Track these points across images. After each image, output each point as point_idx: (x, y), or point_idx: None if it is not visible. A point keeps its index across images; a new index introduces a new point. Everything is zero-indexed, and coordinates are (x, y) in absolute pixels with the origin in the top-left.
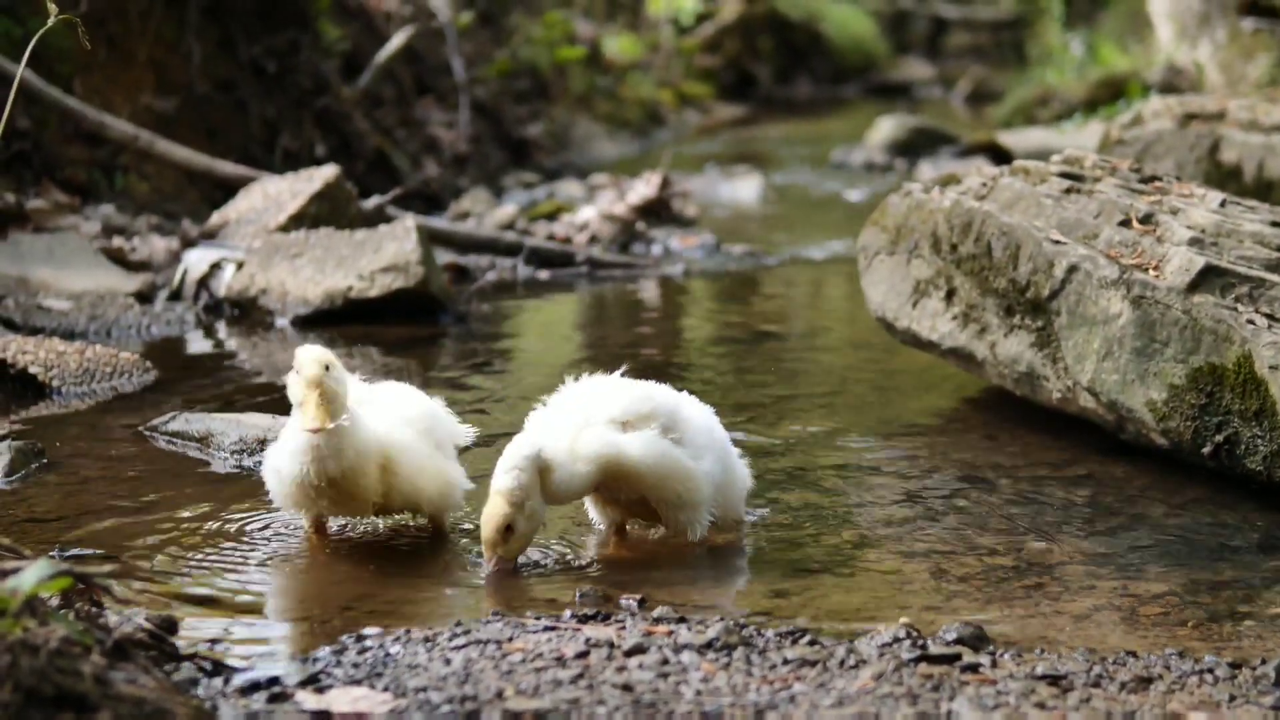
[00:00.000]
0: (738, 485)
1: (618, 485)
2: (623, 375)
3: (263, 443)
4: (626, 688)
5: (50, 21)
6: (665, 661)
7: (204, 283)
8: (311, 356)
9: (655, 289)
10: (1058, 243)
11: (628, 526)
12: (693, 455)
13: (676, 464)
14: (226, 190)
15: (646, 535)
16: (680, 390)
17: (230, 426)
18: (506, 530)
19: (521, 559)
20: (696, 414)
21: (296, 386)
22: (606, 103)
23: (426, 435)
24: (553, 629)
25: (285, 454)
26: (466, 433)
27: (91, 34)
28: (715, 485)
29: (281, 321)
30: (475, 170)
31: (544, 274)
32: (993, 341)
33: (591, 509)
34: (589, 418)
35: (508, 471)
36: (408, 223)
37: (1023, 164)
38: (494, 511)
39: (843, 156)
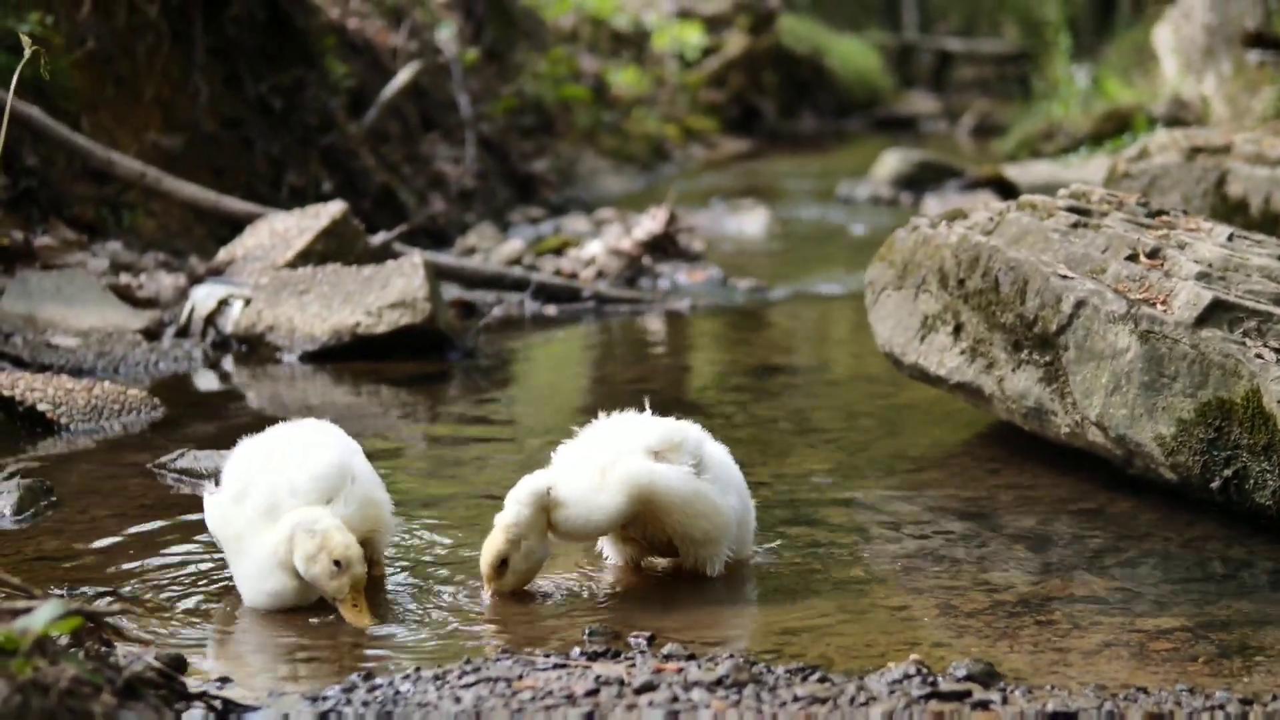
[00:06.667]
0: (750, 523)
1: (645, 519)
2: (650, 410)
3: None
4: None
5: (27, 54)
6: (675, 699)
7: (211, 319)
8: (358, 554)
9: (661, 324)
10: (1065, 277)
11: (641, 564)
12: (720, 491)
13: (708, 500)
14: (233, 227)
15: (655, 572)
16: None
17: None
18: (501, 565)
19: (528, 596)
20: (716, 451)
21: (334, 579)
22: (612, 138)
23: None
24: (562, 666)
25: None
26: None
27: (99, 72)
28: (738, 522)
29: (289, 358)
30: (481, 206)
31: (551, 309)
32: (1000, 376)
33: (606, 544)
34: (621, 449)
35: (510, 505)
36: (415, 259)
37: (1029, 198)
38: (490, 545)
39: (848, 190)
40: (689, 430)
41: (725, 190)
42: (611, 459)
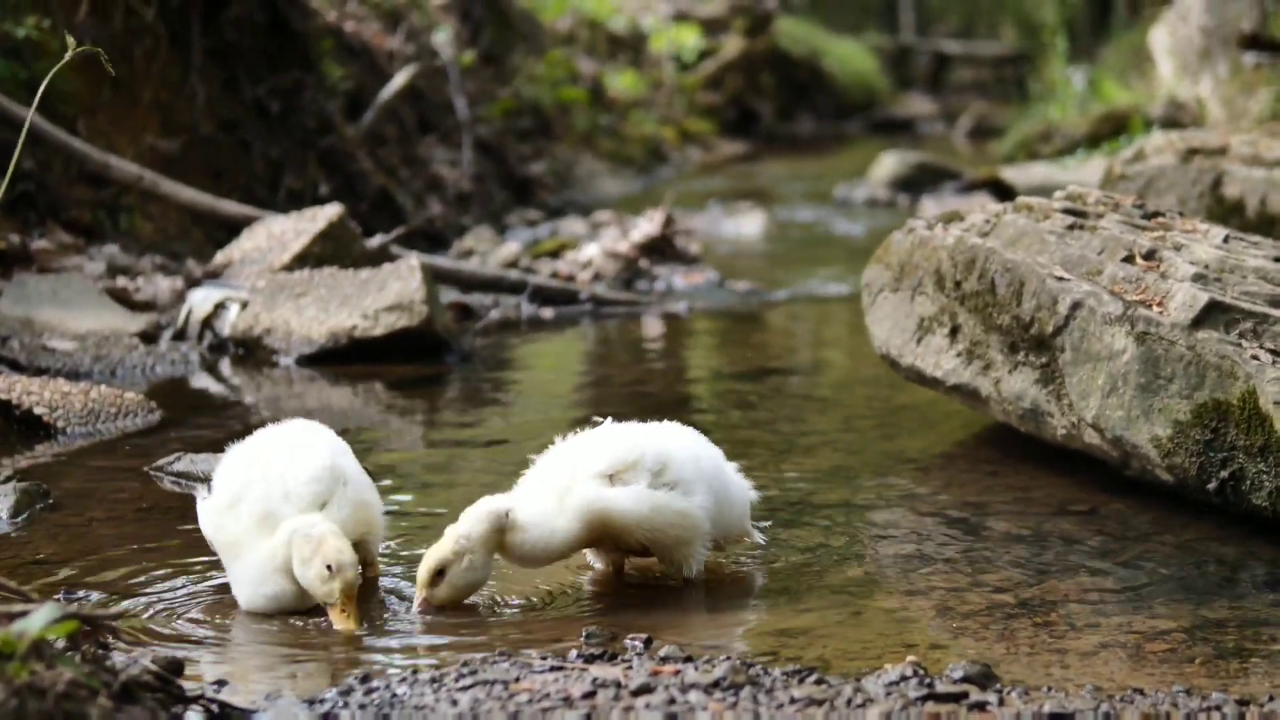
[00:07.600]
0: (736, 503)
1: (611, 536)
2: (610, 421)
3: None
4: None
5: (68, 55)
6: (672, 701)
7: (208, 322)
8: (351, 560)
9: (659, 326)
10: (1061, 279)
11: (626, 566)
12: (684, 492)
13: (669, 510)
14: (230, 230)
15: (649, 575)
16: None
17: None
18: (438, 574)
19: (525, 598)
20: (682, 445)
21: (325, 583)
22: (609, 140)
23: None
24: (559, 669)
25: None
26: None
27: (96, 76)
28: (709, 516)
29: (286, 361)
30: (479, 208)
31: (548, 312)
32: (997, 378)
33: (590, 551)
34: (575, 474)
35: (465, 519)
36: (412, 261)
37: (1026, 200)
38: (433, 552)
39: (845, 193)
40: (646, 445)
41: (722, 192)
42: (567, 484)
